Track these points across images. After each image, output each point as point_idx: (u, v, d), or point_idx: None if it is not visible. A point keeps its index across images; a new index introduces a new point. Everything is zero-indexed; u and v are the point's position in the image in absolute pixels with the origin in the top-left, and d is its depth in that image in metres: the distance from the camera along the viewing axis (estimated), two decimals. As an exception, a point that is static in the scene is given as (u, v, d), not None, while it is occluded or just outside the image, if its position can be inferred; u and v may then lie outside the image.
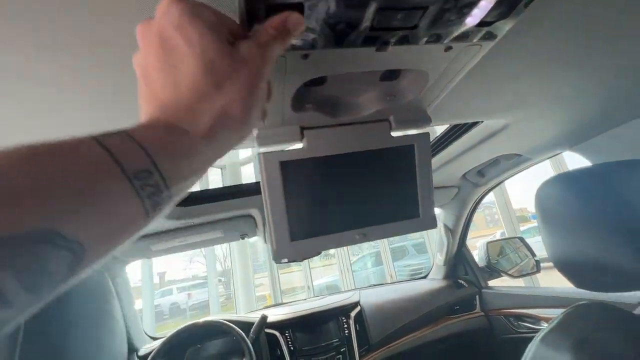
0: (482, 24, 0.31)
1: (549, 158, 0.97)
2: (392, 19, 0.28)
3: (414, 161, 0.53)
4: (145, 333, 1.38)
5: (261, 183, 0.48)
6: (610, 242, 0.47)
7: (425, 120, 0.51)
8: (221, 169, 6.80)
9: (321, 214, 0.51)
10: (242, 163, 6.50)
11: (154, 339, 1.38)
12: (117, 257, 1.11)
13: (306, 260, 6.94)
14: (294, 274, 7.84)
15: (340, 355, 1.27)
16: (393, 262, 6.31)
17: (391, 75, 0.44)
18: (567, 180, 0.54)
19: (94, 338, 0.29)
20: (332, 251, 7.39)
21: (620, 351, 0.43)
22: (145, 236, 1.00)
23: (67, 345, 0.26)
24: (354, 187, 0.51)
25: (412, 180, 0.54)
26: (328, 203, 0.51)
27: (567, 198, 0.53)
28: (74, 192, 0.17)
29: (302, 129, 0.47)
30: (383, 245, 6.43)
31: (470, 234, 1.55)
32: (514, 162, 1.00)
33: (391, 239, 7.03)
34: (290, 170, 0.48)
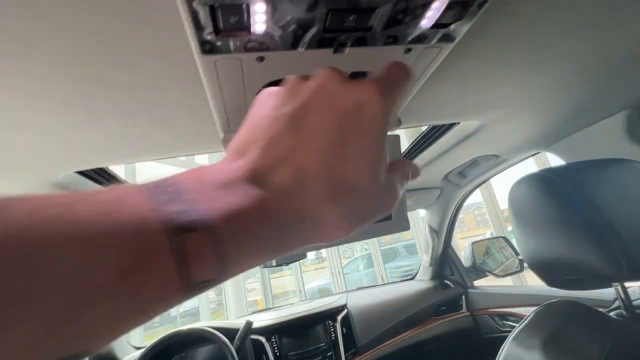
0: (438, 25, 0.31)
1: (526, 158, 0.99)
2: (344, 20, 0.28)
3: None
4: (128, 342, 1.34)
5: None
6: (579, 241, 0.48)
7: (395, 122, 0.51)
8: None
9: None
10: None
11: (138, 348, 1.34)
12: None
13: (297, 264, 6.91)
14: (285, 278, 7.79)
15: (327, 359, 1.27)
16: (385, 263, 6.33)
17: (357, 77, 0.44)
18: (538, 179, 0.55)
19: None
20: (323, 254, 7.38)
21: (585, 345, 0.44)
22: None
23: None
24: None
25: None
26: None
27: (538, 197, 0.54)
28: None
29: None
30: (374, 247, 6.45)
31: (461, 234, 1.57)
32: (493, 162, 1.01)
33: (382, 240, 7.05)
34: None
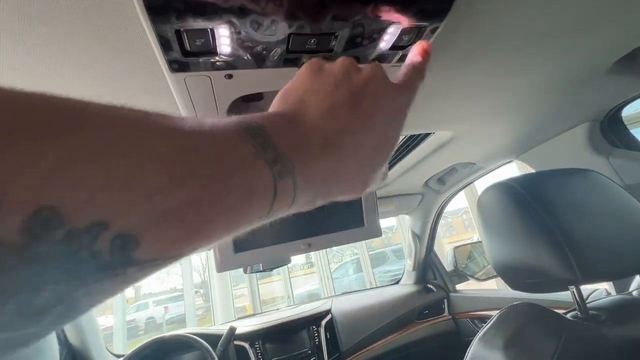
0: (396, 47, 0.34)
1: (500, 166, 1.03)
2: (306, 43, 0.30)
3: None
4: (109, 350, 1.32)
5: None
6: (537, 247, 0.51)
7: None
8: None
9: (265, 226, 0.52)
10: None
11: (118, 356, 1.32)
12: None
13: (286, 270, 6.88)
14: (274, 283, 7.73)
15: (310, 364, 1.27)
16: (373, 268, 6.36)
17: None
18: (501, 188, 0.58)
19: None
20: (313, 259, 7.37)
21: (542, 343, 0.46)
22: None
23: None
24: None
25: None
26: None
27: (501, 205, 0.57)
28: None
29: None
30: (362, 252, 6.47)
31: (449, 239, 1.60)
32: (470, 170, 1.05)
33: (371, 245, 7.08)
34: None
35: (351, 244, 7.62)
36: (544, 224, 0.51)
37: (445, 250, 1.65)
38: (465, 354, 0.59)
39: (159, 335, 1.20)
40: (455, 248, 1.62)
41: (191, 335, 1.19)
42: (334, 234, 0.55)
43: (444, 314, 1.52)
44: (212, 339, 1.20)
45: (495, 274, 1.51)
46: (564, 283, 0.51)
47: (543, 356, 0.45)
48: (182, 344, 1.19)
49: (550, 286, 0.53)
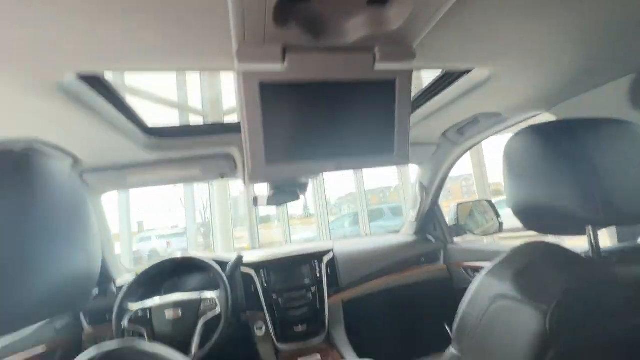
0: None
1: (525, 120, 1.00)
2: None
3: (394, 97, 0.53)
4: (122, 265, 1.41)
5: (239, 103, 0.47)
6: (563, 186, 0.51)
7: (410, 55, 0.51)
8: (203, 117, 6.58)
9: (298, 139, 0.51)
10: (225, 113, 6.36)
11: (129, 271, 1.41)
12: (92, 187, 1.10)
13: (286, 217, 7.11)
14: (273, 230, 8.04)
15: (310, 293, 1.37)
16: (370, 223, 6.59)
17: None
18: (537, 130, 0.57)
19: (67, 240, 0.30)
20: (312, 210, 7.59)
21: (554, 277, 0.49)
22: (121, 167, 0.98)
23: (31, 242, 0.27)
24: (332, 116, 0.52)
25: (390, 116, 0.55)
26: (305, 130, 0.52)
27: (533, 147, 0.56)
28: None
29: (284, 49, 0.46)
30: (361, 207, 6.65)
31: (446, 203, 1.62)
32: (493, 121, 1.02)
33: (370, 201, 7.24)
34: (269, 92, 0.47)
35: (350, 199, 7.81)
36: (575, 164, 0.51)
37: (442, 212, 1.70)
38: (456, 301, 0.63)
39: (171, 257, 1.26)
40: (459, 204, 1.66)
41: (203, 259, 1.25)
42: (364, 157, 0.55)
43: (440, 263, 1.60)
44: (219, 264, 1.26)
45: (494, 232, 1.57)
46: (584, 223, 0.52)
47: (552, 288, 0.48)
48: (193, 265, 1.26)
49: (568, 227, 0.55)
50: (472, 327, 0.57)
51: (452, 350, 0.63)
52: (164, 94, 1.63)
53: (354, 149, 0.54)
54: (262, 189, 1.26)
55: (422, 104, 0.94)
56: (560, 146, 0.53)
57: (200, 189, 7.62)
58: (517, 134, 0.59)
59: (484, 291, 0.57)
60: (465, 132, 1.15)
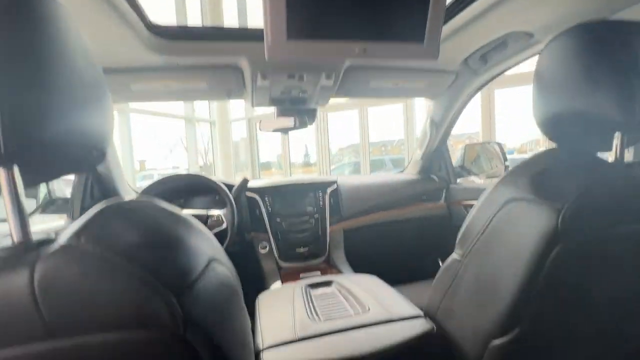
0: None
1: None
2: None
3: None
4: (129, 185, 1.42)
5: None
6: (595, 95, 0.48)
7: None
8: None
9: (322, 15, 0.47)
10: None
11: (138, 190, 1.43)
12: None
13: (287, 163, 7.14)
14: (273, 176, 8.15)
15: (313, 220, 1.41)
16: (370, 172, 6.65)
17: None
18: (583, 29, 0.52)
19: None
20: (312, 159, 7.61)
21: (570, 180, 0.48)
22: (125, 70, 0.93)
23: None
24: None
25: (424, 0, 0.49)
26: (331, 5, 0.47)
27: (574, 49, 0.52)
28: None
29: None
30: (363, 156, 6.66)
31: None
32: (522, 44, 0.95)
33: (371, 153, 7.23)
34: None
35: (352, 149, 7.76)
36: (619, 68, 0.47)
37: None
38: (453, 237, 0.62)
39: (177, 173, 1.27)
40: (467, 145, 1.64)
41: (210, 178, 1.26)
42: (391, 43, 0.50)
43: (441, 202, 1.62)
44: (225, 186, 1.27)
45: (497, 176, 1.57)
46: (613, 130, 0.50)
47: (569, 188, 0.47)
48: (200, 185, 1.27)
49: (594, 131, 0.52)
50: (478, 231, 0.57)
51: (453, 255, 0.64)
52: None
53: (382, 33, 0.50)
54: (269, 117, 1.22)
55: (445, 20, 0.86)
56: (607, 46, 0.49)
57: (202, 129, 7.55)
58: (561, 33, 0.54)
59: (494, 197, 0.56)
60: (489, 59, 1.08)
